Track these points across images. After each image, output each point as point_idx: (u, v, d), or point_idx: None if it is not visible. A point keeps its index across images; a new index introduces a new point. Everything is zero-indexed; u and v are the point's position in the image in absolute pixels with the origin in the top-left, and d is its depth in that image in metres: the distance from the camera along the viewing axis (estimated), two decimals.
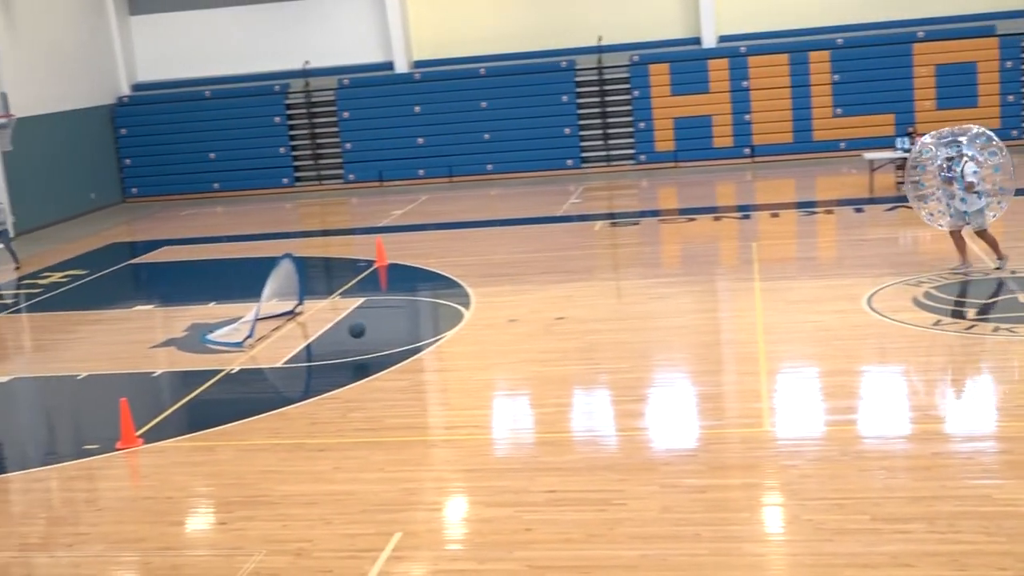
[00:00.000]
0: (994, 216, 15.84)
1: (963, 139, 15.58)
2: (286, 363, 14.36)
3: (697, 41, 29.81)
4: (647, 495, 9.37)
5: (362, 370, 13.60)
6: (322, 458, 10.84)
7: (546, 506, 9.33)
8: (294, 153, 31.31)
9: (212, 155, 31.10)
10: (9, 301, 19.79)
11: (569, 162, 29.77)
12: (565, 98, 29.86)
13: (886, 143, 25.31)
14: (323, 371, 14.11)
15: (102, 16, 31.26)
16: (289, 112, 31.26)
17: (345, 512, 9.51)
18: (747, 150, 29.01)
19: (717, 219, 22.33)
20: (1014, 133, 27.12)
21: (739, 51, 29.18)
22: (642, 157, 29.58)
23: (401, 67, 30.85)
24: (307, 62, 30.97)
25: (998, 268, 15.76)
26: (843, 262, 17.68)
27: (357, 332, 14.67)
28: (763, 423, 10.95)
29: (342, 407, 12.31)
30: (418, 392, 13.09)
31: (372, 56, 31.18)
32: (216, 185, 31.12)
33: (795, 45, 28.97)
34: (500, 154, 29.96)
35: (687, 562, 8.16)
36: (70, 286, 20.38)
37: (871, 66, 28.48)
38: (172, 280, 21.23)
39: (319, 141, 31.27)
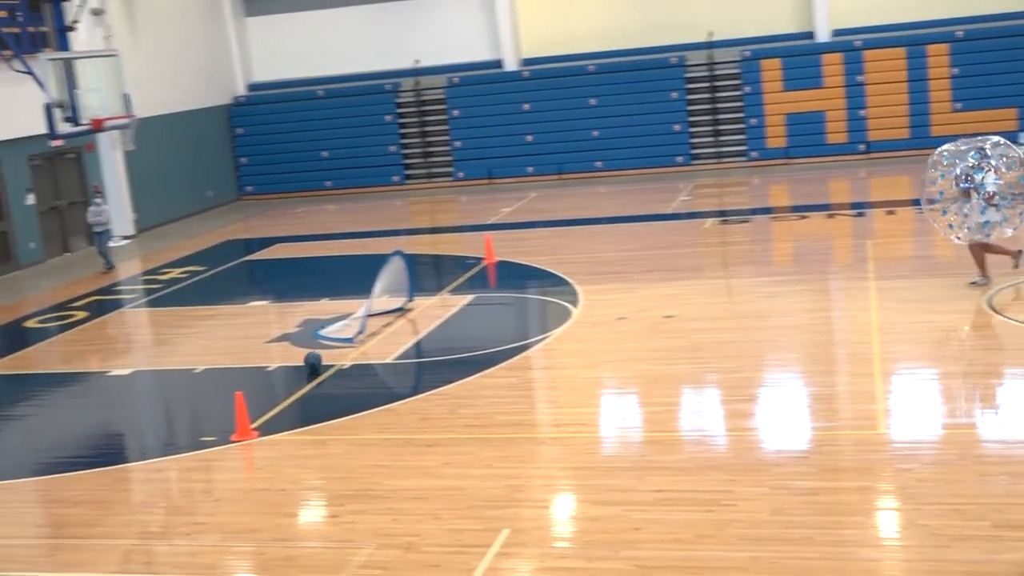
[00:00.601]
0: (1013, 230, 15.12)
1: (987, 147, 14.97)
2: (396, 359, 14.52)
3: (810, 35, 29.29)
4: (757, 496, 9.24)
5: (471, 367, 13.68)
6: (431, 453, 10.94)
7: (654, 505, 9.27)
8: (404, 151, 31.65)
9: (324, 153, 31.62)
10: (131, 296, 20.41)
11: (679, 159, 29.52)
12: (675, 94, 29.60)
13: (1007, 138, 24.45)
14: (432, 367, 14.23)
15: (219, 18, 32.02)
16: (400, 111, 31.60)
17: (454, 507, 9.58)
18: (862, 146, 28.40)
19: (830, 217, 21.92)
20: None
21: (854, 45, 28.58)
22: (753, 154, 29.18)
23: (510, 65, 30.96)
24: (417, 61, 31.27)
25: (1016, 266, 15.24)
26: (962, 261, 17.13)
27: (313, 363, 14.19)
28: (878, 425, 10.71)
29: (451, 403, 12.40)
30: (526, 389, 13.12)
31: (481, 54, 31.34)
32: (328, 183, 31.62)
33: (913, 38, 28.24)
34: (609, 151, 29.84)
35: (798, 565, 8.03)
36: (188, 282, 20.93)
37: (992, 59, 27.62)
38: (285, 276, 21.64)
39: (429, 139, 31.55)
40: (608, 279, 17.75)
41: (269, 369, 14.66)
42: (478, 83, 30.95)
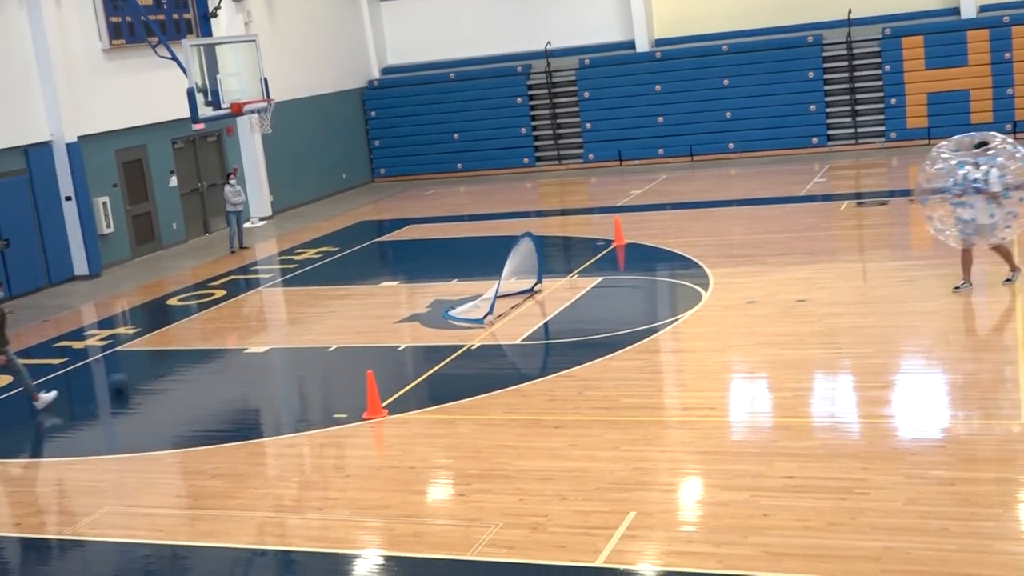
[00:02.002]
0: (1010, 228, 14.29)
1: (993, 144, 14.11)
2: (524, 340, 14.58)
3: (956, 11, 28.28)
4: (891, 485, 9.01)
5: (599, 349, 13.64)
6: (558, 435, 10.97)
7: (784, 492, 9.12)
8: (535, 133, 31.68)
9: (456, 136, 31.88)
10: (267, 276, 20.94)
11: (814, 140, 28.88)
12: (811, 74, 28.94)
13: None
14: (560, 349, 14.24)
15: (354, 3, 32.50)
16: (530, 93, 31.63)
17: (580, 489, 9.59)
18: (1008, 126, 27.28)
19: None
20: None
21: (1002, 21, 27.50)
22: (892, 134, 28.36)
23: (642, 46, 30.69)
24: (549, 43, 31.25)
25: (1009, 280, 14.57)
26: None
27: (117, 385, 14.18)
28: (1021, 415, 10.33)
29: (578, 385, 12.40)
30: (654, 372, 13.04)
31: (613, 35, 31.15)
32: (459, 165, 31.89)
33: None
34: (742, 132, 29.37)
35: (933, 557, 7.81)
36: (322, 262, 21.37)
37: None
38: (416, 257, 21.91)
39: (559, 121, 31.53)
40: (739, 262, 17.49)
41: (399, 349, 14.89)
42: (609, 64, 30.77)
